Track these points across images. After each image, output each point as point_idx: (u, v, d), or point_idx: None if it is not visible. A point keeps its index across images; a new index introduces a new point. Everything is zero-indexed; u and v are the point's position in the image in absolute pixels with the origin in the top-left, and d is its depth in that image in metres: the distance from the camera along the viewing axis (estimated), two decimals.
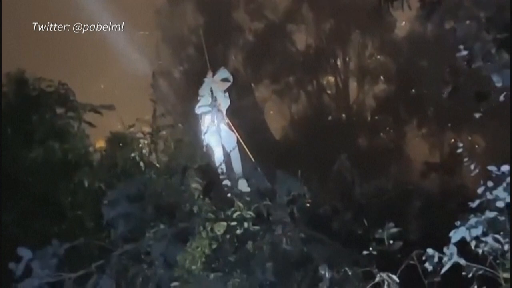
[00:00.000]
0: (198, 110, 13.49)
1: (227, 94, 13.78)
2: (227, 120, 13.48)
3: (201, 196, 10.66)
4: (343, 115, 32.72)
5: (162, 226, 8.86)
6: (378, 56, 32.67)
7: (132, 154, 13.99)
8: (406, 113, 29.42)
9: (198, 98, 13.55)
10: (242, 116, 25.33)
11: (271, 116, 33.90)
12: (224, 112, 13.55)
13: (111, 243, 8.73)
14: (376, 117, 31.29)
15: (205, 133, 13.09)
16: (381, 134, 31.00)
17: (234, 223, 9.63)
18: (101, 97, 19.21)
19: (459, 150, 11.06)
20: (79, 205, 12.03)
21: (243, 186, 11.76)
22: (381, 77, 32.18)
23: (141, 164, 13.77)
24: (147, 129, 15.57)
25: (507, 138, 12.67)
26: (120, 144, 14.41)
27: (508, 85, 9.88)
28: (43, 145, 13.20)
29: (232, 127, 13.33)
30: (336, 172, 16.28)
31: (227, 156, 12.70)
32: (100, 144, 15.29)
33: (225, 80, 13.80)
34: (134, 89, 29.07)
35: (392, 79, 31.00)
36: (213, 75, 13.68)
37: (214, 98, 13.47)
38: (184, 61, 32.81)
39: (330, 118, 32.33)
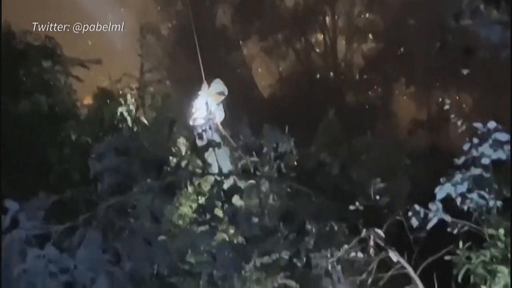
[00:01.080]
0: (192, 122, 13.46)
1: (221, 106, 13.79)
2: (223, 132, 13.45)
3: (189, 152, 10.70)
4: (331, 73, 32.66)
5: (149, 181, 8.87)
6: (367, 14, 32.52)
7: (119, 109, 13.98)
8: (394, 71, 29.38)
9: (193, 110, 13.54)
10: (230, 73, 25.31)
11: (259, 74, 33.82)
12: (219, 124, 13.53)
13: (98, 196, 8.74)
14: (364, 76, 31.25)
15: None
16: (369, 92, 31.00)
17: (221, 178, 9.67)
18: (88, 53, 19.15)
19: (446, 107, 11.12)
20: (66, 159, 12.03)
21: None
22: (370, 36, 32.07)
23: (128, 119, 13.77)
24: (134, 84, 15.55)
25: (493, 96, 12.74)
26: (107, 100, 14.39)
27: (496, 42, 9.90)
28: (30, 98, 13.16)
29: (229, 137, 13.27)
30: (323, 128, 16.38)
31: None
32: (88, 99, 15.28)
33: (220, 93, 13.84)
34: (122, 45, 28.93)
35: (381, 38, 30.90)
36: (208, 87, 13.68)
37: (209, 111, 13.47)
38: (173, 17, 32.58)
39: (318, 76, 32.26)
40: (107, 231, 8.46)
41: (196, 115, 13.33)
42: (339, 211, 10.71)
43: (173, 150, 10.49)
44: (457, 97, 28.28)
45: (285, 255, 10.16)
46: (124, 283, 8.45)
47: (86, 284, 8.23)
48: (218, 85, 13.89)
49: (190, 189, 10.04)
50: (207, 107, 13.35)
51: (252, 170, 9.97)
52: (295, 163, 11.44)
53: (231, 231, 9.12)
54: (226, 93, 13.82)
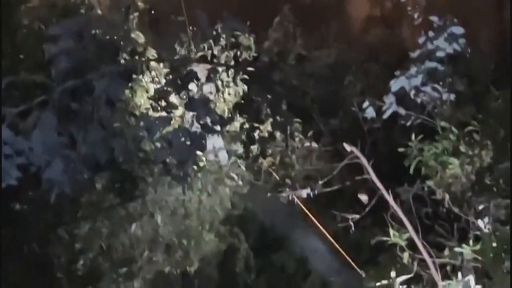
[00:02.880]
0: None
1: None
2: None
3: (145, 40, 10.53)
4: None
5: (105, 65, 8.71)
6: None
7: None
8: None
9: None
10: None
11: None
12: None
13: (53, 80, 8.57)
14: None
15: None
16: None
17: (177, 64, 9.56)
18: None
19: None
20: (20, 44, 11.76)
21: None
22: None
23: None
24: None
25: None
26: None
27: None
28: None
29: None
30: (277, 23, 16.18)
31: None
32: None
33: None
34: None
35: None
36: None
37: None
38: None
39: None
40: (62, 115, 8.33)
41: None
42: (295, 101, 10.74)
43: (128, 34, 10.31)
44: None
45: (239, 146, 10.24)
46: (79, 167, 8.40)
47: (41, 166, 8.17)
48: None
49: (146, 74, 9.94)
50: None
51: (209, 57, 9.88)
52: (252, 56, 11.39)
53: (187, 118, 9.07)
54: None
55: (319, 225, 11.99)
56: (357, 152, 9.90)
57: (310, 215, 11.85)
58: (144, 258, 11.48)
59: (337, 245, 11.98)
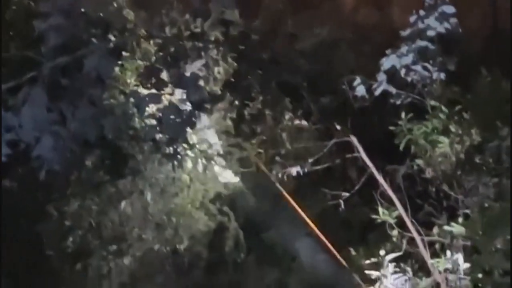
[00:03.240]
0: None
1: None
2: None
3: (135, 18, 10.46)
4: None
5: (95, 41, 8.68)
6: None
7: None
8: None
9: None
10: None
11: None
12: None
13: (43, 56, 8.53)
14: None
15: None
16: None
17: (168, 42, 9.53)
18: None
19: None
20: (9, 21, 11.67)
21: None
22: None
23: None
24: None
25: None
26: None
27: None
28: None
29: None
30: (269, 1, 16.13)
31: None
32: None
33: None
34: None
35: None
36: None
37: None
38: None
39: None
40: (52, 91, 8.32)
41: None
42: (284, 81, 10.73)
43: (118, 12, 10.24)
44: None
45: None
46: (69, 144, 8.40)
47: (30, 143, 8.17)
48: None
49: (137, 51, 9.89)
50: None
51: (199, 35, 9.82)
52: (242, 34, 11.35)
53: (177, 95, 9.04)
54: None
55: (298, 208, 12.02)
56: (347, 130, 9.96)
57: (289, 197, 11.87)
58: (133, 236, 11.48)
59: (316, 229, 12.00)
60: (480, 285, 8.22)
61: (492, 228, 7.98)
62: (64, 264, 11.58)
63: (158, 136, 9.78)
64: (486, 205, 8.85)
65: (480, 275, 8.27)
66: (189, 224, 11.66)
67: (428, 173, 9.76)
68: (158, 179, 11.13)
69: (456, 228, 8.87)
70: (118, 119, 9.21)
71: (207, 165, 11.04)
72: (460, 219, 9.09)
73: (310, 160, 10.21)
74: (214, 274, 12.96)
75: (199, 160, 10.90)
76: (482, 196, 9.04)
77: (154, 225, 11.53)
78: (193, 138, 10.51)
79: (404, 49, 10.08)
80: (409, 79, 10.02)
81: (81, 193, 11.15)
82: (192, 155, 10.75)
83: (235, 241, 12.72)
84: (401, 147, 9.78)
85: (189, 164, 10.98)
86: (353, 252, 9.86)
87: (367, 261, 9.28)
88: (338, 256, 11.26)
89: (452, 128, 9.49)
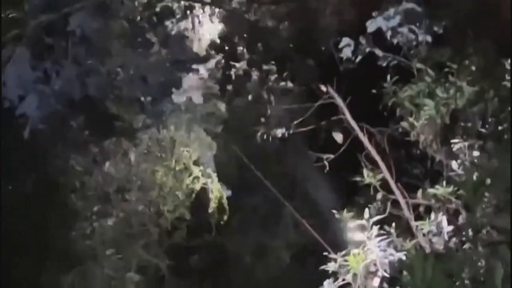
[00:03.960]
0: None
1: None
2: None
3: None
4: None
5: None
6: None
7: None
8: None
9: None
10: None
11: None
12: None
13: (27, 14, 8.41)
14: None
15: None
16: None
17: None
18: None
19: None
20: None
21: None
22: None
23: None
24: None
25: None
26: None
27: None
28: None
29: None
30: None
31: None
32: None
33: None
34: None
35: None
36: None
37: None
38: None
39: None
40: (36, 50, 8.24)
41: None
42: (269, 42, 10.64)
43: None
44: None
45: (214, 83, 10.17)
46: (53, 103, 8.33)
47: (14, 101, 8.10)
48: None
49: (121, 13, 9.75)
50: None
51: None
52: None
53: (163, 54, 8.97)
54: None
55: None
56: (332, 92, 9.93)
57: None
58: (117, 197, 11.47)
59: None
60: (470, 245, 8.23)
61: (483, 184, 7.99)
62: (48, 225, 11.59)
63: (143, 97, 9.74)
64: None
65: (471, 234, 8.28)
66: (172, 186, 11.65)
67: (413, 136, 9.74)
68: (142, 140, 11.07)
69: (440, 190, 8.89)
70: (102, 79, 9.10)
71: (192, 126, 10.98)
72: (444, 182, 9.10)
73: (295, 122, 10.18)
74: (197, 236, 13.03)
75: (184, 121, 10.83)
76: (469, 158, 9.04)
77: (138, 186, 11.50)
78: (178, 98, 10.40)
79: (391, 11, 10.00)
80: (395, 41, 9.95)
81: (65, 153, 11.08)
82: (177, 116, 10.67)
83: (218, 203, 12.76)
84: (386, 111, 9.76)
85: (173, 125, 10.90)
86: (337, 215, 9.85)
87: (351, 224, 9.30)
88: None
89: (438, 91, 9.46)
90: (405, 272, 7.89)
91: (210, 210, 12.85)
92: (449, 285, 7.33)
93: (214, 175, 12.46)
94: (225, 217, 12.85)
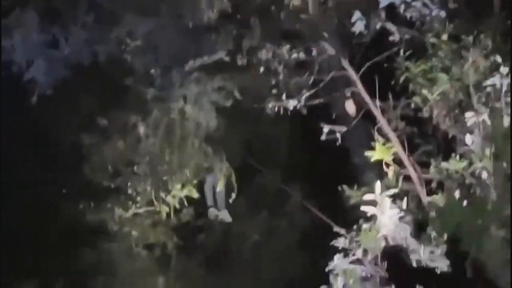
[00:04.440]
0: None
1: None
2: None
3: None
4: None
5: None
6: None
7: None
8: None
9: None
10: None
11: None
12: None
13: None
14: None
15: None
16: None
17: None
18: None
19: None
20: None
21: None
22: None
23: None
24: None
25: None
26: None
27: None
28: None
29: None
30: None
31: None
32: None
33: None
34: None
35: None
36: None
37: None
38: None
39: None
40: (45, 14, 8.16)
41: None
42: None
43: None
44: None
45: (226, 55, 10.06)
46: (61, 67, 8.26)
47: (22, 66, 8.04)
48: None
49: None
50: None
51: None
52: None
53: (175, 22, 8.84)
54: None
55: None
56: (345, 64, 9.82)
57: None
58: (127, 170, 11.41)
59: None
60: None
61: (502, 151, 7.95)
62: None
63: (153, 69, 9.67)
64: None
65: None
66: (181, 161, 11.52)
67: (426, 111, 9.63)
68: (151, 113, 10.91)
69: (453, 164, 8.78)
70: (111, 46, 8.97)
71: (201, 99, 10.81)
72: (458, 157, 8.98)
73: (307, 94, 10.05)
74: (205, 215, 12.94)
75: (193, 93, 10.65)
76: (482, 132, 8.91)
77: (147, 160, 11.39)
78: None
79: None
80: (408, 15, 9.83)
81: (72, 125, 10.98)
82: (187, 88, 10.47)
83: (226, 181, 12.65)
84: (399, 85, 9.65)
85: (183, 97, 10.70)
86: (348, 190, 9.75)
87: (363, 198, 9.18)
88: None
89: (452, 66, 9.34)
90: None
91: (218, 189, 12.74)
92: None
93: (223, 152, 12.32)
94: (234, 195, 12.73)
